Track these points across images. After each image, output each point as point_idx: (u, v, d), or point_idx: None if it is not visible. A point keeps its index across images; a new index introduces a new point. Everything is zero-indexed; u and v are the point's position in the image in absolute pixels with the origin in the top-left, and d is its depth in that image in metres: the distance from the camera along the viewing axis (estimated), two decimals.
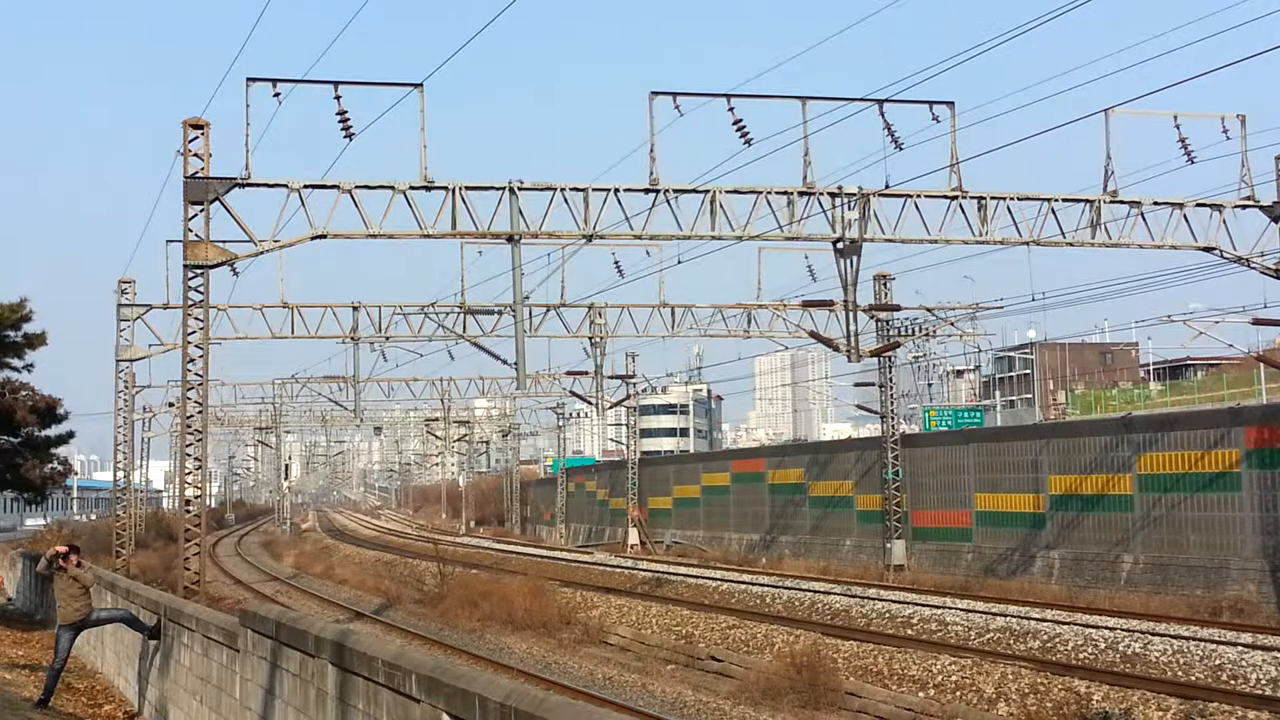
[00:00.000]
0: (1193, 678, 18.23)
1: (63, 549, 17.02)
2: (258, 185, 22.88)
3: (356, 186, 23.33)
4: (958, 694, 18.74)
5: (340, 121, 22.61)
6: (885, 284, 37.72)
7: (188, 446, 23.72)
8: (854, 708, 18.85)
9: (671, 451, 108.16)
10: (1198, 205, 26.34)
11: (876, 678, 20.37)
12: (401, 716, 7.79)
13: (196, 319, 23.07)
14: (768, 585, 32.67)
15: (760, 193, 24.93)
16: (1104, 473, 31.34)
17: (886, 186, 24.82)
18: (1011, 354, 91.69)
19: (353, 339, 39.02)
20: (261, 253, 23.21)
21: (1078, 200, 26.01)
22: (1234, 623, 23.22)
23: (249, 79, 22.00)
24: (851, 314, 26.48)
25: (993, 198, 25.56)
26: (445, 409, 70.52)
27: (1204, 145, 25.32)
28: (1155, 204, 26.21)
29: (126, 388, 38.38)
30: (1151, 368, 76.43)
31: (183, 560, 23.18)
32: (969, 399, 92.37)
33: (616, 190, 24.50)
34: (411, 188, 23.39)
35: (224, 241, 22.96)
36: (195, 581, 22.77)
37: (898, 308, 38.39)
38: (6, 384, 33.86)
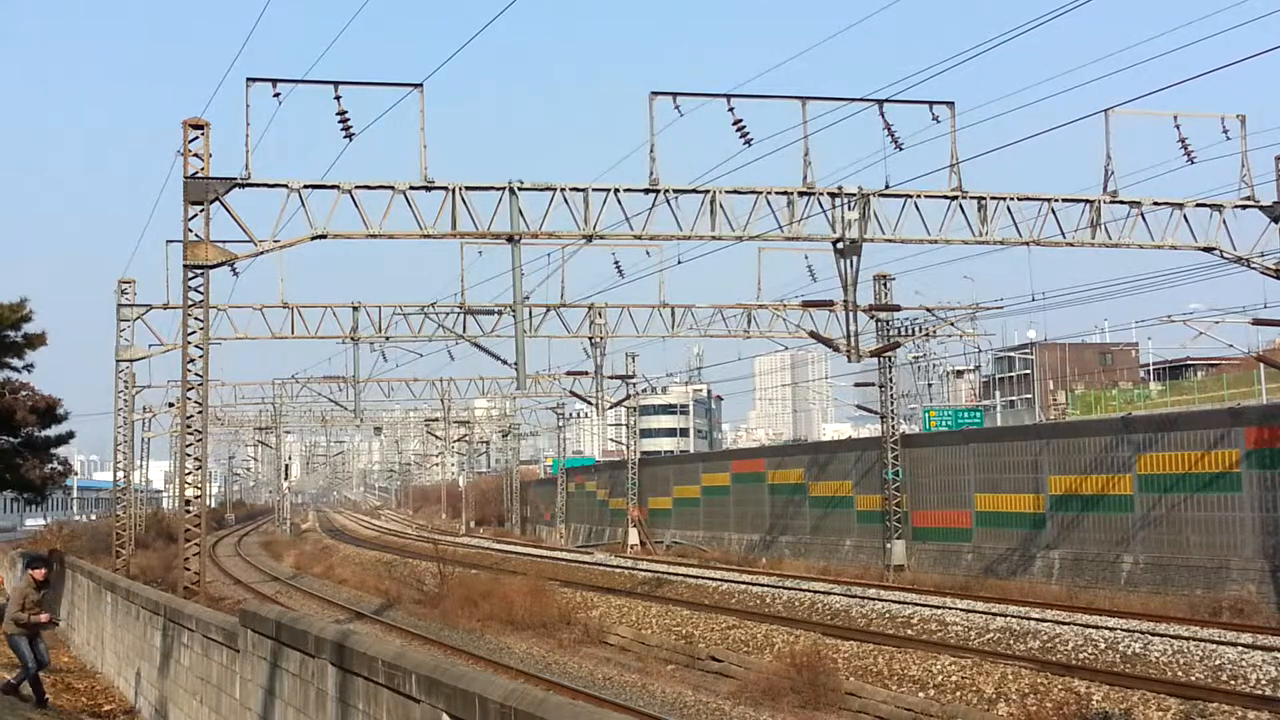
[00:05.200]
0: (1193, 678, 18.23)
1: (40, 575, 17.16)
2: (258, 185, 22.88)
3: (356, 187, 23.33)
4: (958, 694, 18.74)
5: (340, 121, 22.61)
6: (885, 284, 37.71)
7: (188, 446, 23.71)
8: (854, 708, 18.84)
9: (671, 451, 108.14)
10: (1198, 205, 26.33)
11: (876, 678, 20.36)
12: (401, 716, 7.79)
13: (196, 319, 23.07)
14: (768, 585, 32.66)
15: (760, 193, 24.92)
16: (1104, 473, 31.34)
17: (886, 186, 24.81)
18: (1011, 354, 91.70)
19: (353, 339, 39.01)
20: (261, 253, 23.21)
21: (1078, 200, 26.00)
22: (1234, 623, 23.21)
23: (249, 79, 22.00)
24: (851, 314, 26.47)
25: (993, 198, 25.55)
26: (445, 409, 70.52)
27: (1204, 145, 25.32)
28: (1155, 204, 26.20)
29: (126, 388, 38.36)
30: (1151, 368, 76.41)
31: (183, 560, 23.17)
32: (969, 399, 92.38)
33: (616, 190, 24.49)
34: (411, 188, 23.39)
35: (224, 241, 22.98)
36: (195, 581, 22.76)
37: (898, 308, 38.37)
38: (6, 384, 33.83)
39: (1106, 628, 21.84)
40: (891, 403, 39.19)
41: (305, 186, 23.10)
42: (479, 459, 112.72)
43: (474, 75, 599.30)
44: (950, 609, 25.53)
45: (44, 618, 17.08)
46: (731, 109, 23.64)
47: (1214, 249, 26.31)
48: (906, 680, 19.90)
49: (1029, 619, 23.52)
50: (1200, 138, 25.33)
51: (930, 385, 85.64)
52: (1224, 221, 26.20)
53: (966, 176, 25.09)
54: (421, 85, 22.79)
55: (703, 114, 23.63)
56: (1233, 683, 17.70)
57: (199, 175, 22.44)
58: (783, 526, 46.65)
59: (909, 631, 23.95)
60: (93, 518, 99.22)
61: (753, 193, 24.97)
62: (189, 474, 23.61)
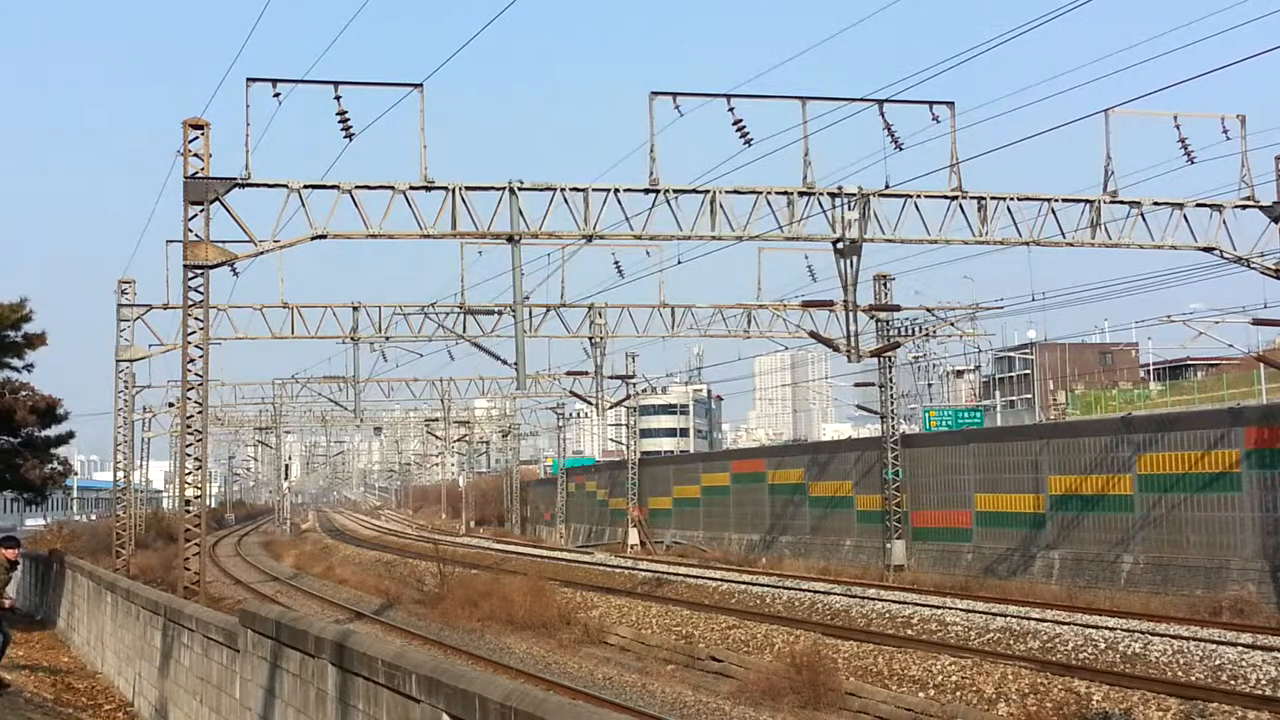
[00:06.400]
0: (1193, 678, 18.23)
1: (11, 554, 17.09)
2: (258, 185, 22.89)
3: (356, 187, 23.34)
4: (958, 694, 18.74)
5: (340, 121, 22.62)
6: (885, 284, 37.72)
7: (188, 446, 23.72)
8: (854, 708, 18.84)
9: (671, 451, 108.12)
10: (1198, 205, 26.34)
11: (876, 678, 20.37)
12: (401, 716, 7.79)
13: (196, 319, 23.07)
14: (768, 585, 32.66)
15: (760, 193, 24.93)
16: (1104, 473, 31.33)
17: (886, 186, 24.82)
18: (1011, 354, 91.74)
19: (353, 339, 39.03)
20: (261, 253, 23.22)
21: (1078, 200, 26.00)
22: (1234, 623, 23.21)
23: (249, 79, 22.02)
24: (851, 314, 26.48)
25: (993, 198, 25.56)
26: (445, 409, 70.55)
27: (1204, 145, 25.34)
28: (1155, 204, 26.20)
29: (126, 388, 38.37)
30: (1151, 368, 76.40)
31: (183, 560, 23.18)
32: (969, 399, 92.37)
33: (616, 190, 24.50)
34: (411, 188, 23.39)
35: (224, 241, 22.99)
36: (195, 581, 22.76)
37: (898, 308, 38.38)
38: (6, 384, 33.78)
39: (1106, 628, 21.84)
40: (891, 403, 39.19)
41: (305, 186, 23.11)
42: (479, 459, 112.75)
43: (474, 75, 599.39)
44: (950, 609, 25.53)
45: (7, 603, 17.01)
46: (731, 109, 23.66)
47: (1214, 249, 26.31)
48: (906, 680, 19.90)
49: (1029, 619, 23.52)
50: (1200, 138, 25.38)
51: (930, 385, 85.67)
52: (1224, 221, 26.21)
53: (966, 176, 25.14)
54: (421, 85, 22.81)
55: (703, 114, 23.67)
56: (1233, 683, 17.71)
57: (199, 175, 22.44)
58: (783, 526, 46.65)
59: (909, 631, 23.95)
60: (93, 518, 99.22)
61: (753, 193, 24.98)
62: (189, 474, 23.62)
